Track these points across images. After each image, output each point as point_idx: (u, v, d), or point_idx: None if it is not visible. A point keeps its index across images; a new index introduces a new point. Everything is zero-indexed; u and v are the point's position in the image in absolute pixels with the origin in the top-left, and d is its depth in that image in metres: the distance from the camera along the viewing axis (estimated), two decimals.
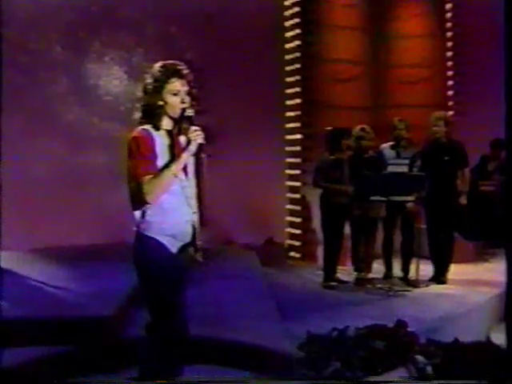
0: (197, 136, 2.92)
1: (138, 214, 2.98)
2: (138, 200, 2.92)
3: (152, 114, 2.98)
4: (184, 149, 2.97)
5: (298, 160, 7.78)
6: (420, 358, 3.59)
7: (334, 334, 3.30)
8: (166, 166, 2.92)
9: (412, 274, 6.34)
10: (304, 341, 3.34)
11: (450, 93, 8.63)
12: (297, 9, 7.78)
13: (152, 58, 7.51)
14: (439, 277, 6.35)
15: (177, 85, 2.97)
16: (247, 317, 4.51)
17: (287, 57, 7.86)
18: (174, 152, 2.97)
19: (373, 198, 5.95)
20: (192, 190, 3.03)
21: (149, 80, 2.99)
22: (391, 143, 6.44)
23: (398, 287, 6.03)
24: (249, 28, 7.61)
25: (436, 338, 4.08)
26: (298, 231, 7.81)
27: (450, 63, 8.63)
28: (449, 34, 8.63)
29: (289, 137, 7.89)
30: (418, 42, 8.40)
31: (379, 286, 6.13)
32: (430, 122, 6.30)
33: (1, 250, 4.96)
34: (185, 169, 2.99)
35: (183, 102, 2.96)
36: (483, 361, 3.76)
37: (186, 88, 2.99)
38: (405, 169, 5.95)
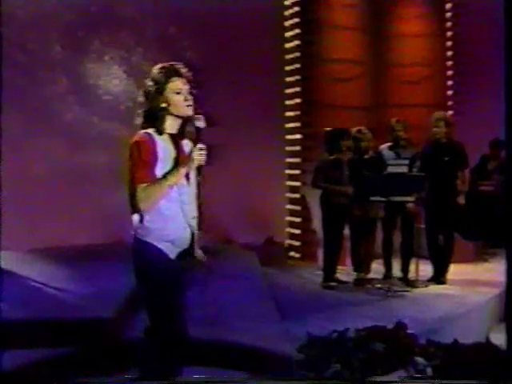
0: (199, 156, 2.89)
1: (136, 219, 2.96)
2: (134, 205, 2.91)
3: (155, 118, 2.95)
4: (186, 154, 2.95)
5: (297, 160, 7.78)
6: (420, 359, 3.59)
7: (334, 336, 3.31)
8: (164, 176, 2.89)
9: (411, 274, 6.34)
10: (304, 343, 3.34)
11: (450, 92, 8.63)
12: (297, 8, 7.79)
13: (151, 57, 7.58)
14: (439, 277, 6.35)
15: (178, 83, 2.95)
16: (247, 318, 4.51)
17: (287, 56, 7.86)
18: (177, 157, 2.95)
19: (373, 198, 5.95)
20: (192, 196, 3.01)
21: (149, 83, 2.97)
22: (389, 144, 6.44)
23: (397, 287, 6.03)
24: (248, 28, 7.60)
25: (436, 339, 4.07)
26: (297, 231, 7.81)
27: (449, 63, 8.64)
28: (449, 33, 8.64)
29: (288, 137, 7.89)
30: (417, 42, 8.41)
31: (379, 286, 6.13)
32: (430, 122, 6.30)
33: (0, 250, 4.96)
34: (187, 174, 2.96)
35: (187, 100, 2.95)
36: (483, 361, 3.76)
37: (187, 87, 2.98)
38: (404, 169, 5.95)
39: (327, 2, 7.79)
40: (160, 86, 2.94)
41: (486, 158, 8.26)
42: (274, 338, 4.10)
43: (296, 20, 7.79)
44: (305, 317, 4.86)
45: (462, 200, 6.27)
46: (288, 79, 7.86)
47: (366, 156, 6.32)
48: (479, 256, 7.62)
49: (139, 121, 3.01)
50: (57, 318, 4.08)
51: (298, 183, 7.79)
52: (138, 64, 7.58)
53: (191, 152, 2.93)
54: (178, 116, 2.98)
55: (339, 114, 7.43)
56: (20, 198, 6.36)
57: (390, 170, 5.93)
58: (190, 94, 2.99)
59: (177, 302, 3.01)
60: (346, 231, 6.37)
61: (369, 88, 8.06)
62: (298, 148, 7.79)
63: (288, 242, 7.92)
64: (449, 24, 8.63)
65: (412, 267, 6.35)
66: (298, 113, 7.78)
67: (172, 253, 2.97)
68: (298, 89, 7.76)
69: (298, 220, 7.82)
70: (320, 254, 6.57)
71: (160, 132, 2.95)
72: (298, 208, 7.81)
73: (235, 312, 4.64)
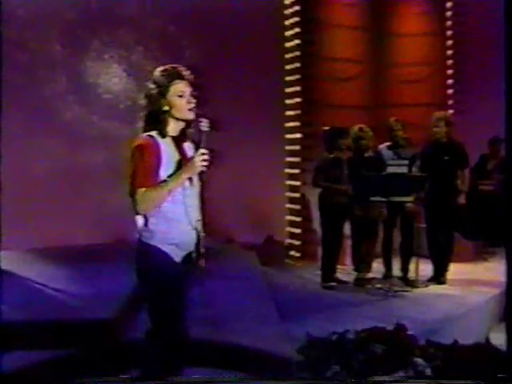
0: (201, 162, 2.87)
1: (140, 221, 2.95)
2: (135, 208, 2.91)
3: (157, 121, 2.93)
4: (189, 157, 2.94)
5: (297, 159, 7.78)
6: (419, 360, 3.60)
7: (334, 338, 3.31)
8: (165, 181, 2.88)
9: (411, 273, 6.35)
10: (304, 344, 3.35)
11: (450, 91, 8.62)
12: (297, 7, 7.77)
13: (151, 56, 7.59)
14: (438, 277, 6.36)
15: (181, 86, 2.93)
16: (247, 318, 4.51)
17: (287, 56, 7.85)
18: (179, 160, 2.94)
19: (373, 198, 5.95)
20: (196, 199, 3.01)
21: (151, 86, 2.95)
22: (388, 144, 6.44)
23: (397, 287, 6.03)
24: (248, 26, 7.59)
25: (436, 340, 4.08)
26: (297, 230, 7.81)
27: (450, 62, 8.62)
28: (449, 32, 8.62)
29: (288, 136, 7.89)
30: (418, 41, 8.40)
31: (379, 286, 6.13)
32: (430, 122, 6.30)
33: (0, 250, 4.95)
34: (190, 177, 2.94)
35: (189, 103, 2.93)
36: (483, 362, 3.76)
37: (190, 89, 2.96)
38: (404, 169, 5.95)
39: (327, 1, 7.79)
40: (162, 89, 2.92)
41: (485, 157, 8.25)
42: (274, 338, 4.10)
43: (296, 19, 7.77)
44: (305, 317, 4.86)
45: (462, 200, 6.27)
46: (288, 78, 7.85)
47: (365, 155, 6.31)
48: (479, 255, 7.62)
49: (141, 124, 2.99)
50: (57, 319, 4.07)
51: (297, 182, 7.79)
52: (137, 63, 7.57)
53: (193, 157, 2.91)
54: (180, 119, 2.97)
55: (339, 113, 7.43)
56: (20, 197, 6.36)
57: (390, 170, 5.93)
58: (193, 96, 2.97)
59: (179, 305, 3.01)
60: (347, 230, 6.37)
61: (369, 87, 8.06)
62: (297, 147, 7.78)
63: (288, 241, 7.91)
64: (449, 23, 8.62)
65: (412, 267, 6.36)
66: (298, 112, 7.77)
67: (177, 256, 2.96)
68: (297, 88, 7.75)
69: (298, 219, 7.82)
70: (320, 253, 6.56)
71: (163, 135, 2.94)
72: (298, 207, 7.81)
73: (235, 313, 4.64)
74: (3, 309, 3.90)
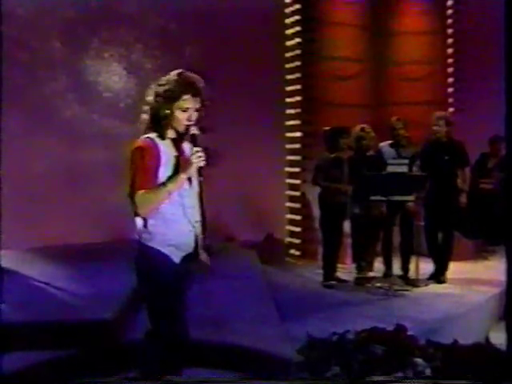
0: (197, 159, 2.88)
1: (139, 223, 2.96)
2: (134, 210, 2.92)
3: (158, 124, 2.94)
4: (187, 159, 2.94)
5: (297, 158, 7.78)
6: (419, 360, 3.59)
7: (334, 338, 3.31)
8: (163, 183, 2.89)
9: (411, 272, 6.35)
10: (304, 344, 3.35)
11: (451, 90, 8.60)
12: (297, 6, 7.76)
13: (151, 54, 7.58)
14: (438, 276, 6.36)
15: (188, 102, 2.91)
16: (247, 318, 4.51)
17: (287, 54, 7.84)
18: (179, 161, 2.94)
19: (373, 197, 5.95)
20: (195, 200, 3.01)
21: (162, 88, 2.92)
22: (390, 142, 6.45)
23: (397, 286, 6.04)
24: (249, 25, 7.58)
25: (436, 339, 4.08)
26: (297, 229, 7.81)
27: (450, 60, 8.60)
28: (449, 30, 8.60)
29: (289, 134, 7.89)
30: (418, 39, 8.38)
31: (379, 285, 6.14)
32: (430, 121, 6.30)
33: (0, 249, 4.95)
34: (189, 178, 2.95)
35: (190, 120, 2.93)
36: (483, 362, 3.76)
37: (197, 105, 2.93)
38: (405, 168, 5.95)
39: (328, 0, 7.77)
40: (170, 100, 2.90)
41: (486, 155, 8.24)
42: (274, 339, 4.11)
43: (296, 17, 7.76)
44: (305, 317, 4.87)
45: (463, 199, 6.27)
46: (288, 77, 7.84)
47: (366, 155, 6.30)
48: (479, 254, 7.62)
49: (143, 122, 2.98)
50: (57, 320, 4.07)
51: (298, 181, 7.78)
52: (137, 61, 7.57)
53: (190, 158, 2.92)
54: (177, 129, 2.98)
55: (340, 112, 7.42)
56: (19, 195, 6.35)
57: (390, 169, 5.93)
58: (198, 111, 2.95)
59: (179, 306, 3.02)
60: (348, 229, 6.37)
61: (369, 85, 8.05)
62: (298, 146, 7.78)
63: (288, 239, 7.92)
64: (450, 21, 8.60)
65: (412, 266, 6.36)
66: (298, 110, 7.76)
67: (177, 257, 2.97)
68: (298, 86, 7.74)
69: (298, 218, 7.82)
70: (320, 252, 6.57)
71: (162, 137, 2.95)
72: (298, 206, 7.81)
73: (235, 312, 4.63)
74: (3, 308, 3.91)
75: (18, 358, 3.63)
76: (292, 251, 7.80)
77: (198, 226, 3.02)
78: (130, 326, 4.15)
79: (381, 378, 3.31)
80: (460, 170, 6.29)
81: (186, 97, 2.90)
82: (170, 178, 2.90)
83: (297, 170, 7.79)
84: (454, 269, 6.53)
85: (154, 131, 2.95)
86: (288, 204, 7.98)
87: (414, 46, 8.35)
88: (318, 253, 6.91)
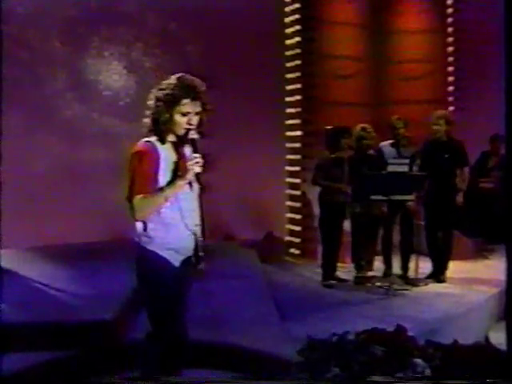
0: (195, 165, 2.88)
1: (139, 227, 2.96)
2: (133, 213, 2.92)
3: (158, 128, 2.94)
4: (187, 163, 2.93)
5: (298, 157, 7.77)
6: (419, 361, 3.60)
7: (334, 339, 3.31)
8: (162, 188, 2.89)
9: (411, 272, 6.35)
10: (304, 345, 3.35)
11: (451, 88, 8.60)
12: (297, 5, 7.74)
13: (151, 53, 7.58)
14: (438, 275, 6.36)
15: (188, 106, 2.91)
16: (247, 318, 4.51)
17: (287, 53, 7.83)
18: (179, 165, 2.95)
19: (373, 197, 5.95)
20: (195, 204, 3.01)
21: (162, 94, 2.92)
22: (391, 141, 6.45)
23: (397, 286, 6.04)
24: (249, 24, 7.57)
25: (436, 339, 4.08)
26: (297, 228, 7.81)
27: (450, 59, 8.60)
28: (449, 29, 8.59)
29: (289, 133, 7.88)
30: (418, 38, 8.37)
31: (378, 284, 6.14)
32: (430, 120, 6.29)
33: (0, 249, 4.95)
34: (189, 182, 2.95)
35: (190, 124, 2.92)
36: (483, 362, 3.76)
37: (197, 109, 2.93)
38: (405, 168, 5.95)
39: None
40: (170, 104, 2.90)
41: (486, 154, 8.25)
42: (274, 339, 4.11)
43: (296, 16, 7.74)
44: (305, 317, 4.87)
45: (460, 198, 6.27)
46: (288, 76, 7.83)
47: (366, 154, 6.30)
48: (479, 253, 7.62)
49: (146, 121, 2.98)
50: (57, 320, 4.08)
51: (298, 180, 7.78)
52: (138, 60, 7.57)
53: (187, 164, 2.91)
54: (176, 133, 2.98)
55: (340, 111, 7.42)
56: (19, 194, 6.35)
57: (391, 168, 5.93)
58: (198, 114, 2.95)
59: (179, 308, 3.03)
60: (348, 229, 6.37)
61: (369, 84, 8.04)
62: (298, 145, 7.77)
63: (288, 238, 7.91)
64: (450, 20, 8.59)
65: (412, 265, 6.36)
66: (298, 110, 7.75)
67: (176, 261, 2.98)
68: (298, 85, 7.73)
69: (298, 217, 7.82)
70: (320, 251, 6.56)
71: (163, 141, 2.95)
72: (298, 205, 7.81)
73: (235, 312, 4.63)
74: (3, 308, 3.91)
75: (17, 358, 3.63)
76: (292, 250, 7.80)
77: (198, 229, 3.01)
78: (130, 326, 4.15)
79: (381, 379, 3.31)
80: (459, 169, 6.29)
81: (185, 101, 2.90)
82: (168, 183, 2.91)
83: (297, 168, 7.78)
84: (454, 268, 6.53)
85: (155, 135, 2.95)
86: (288, 203, 7.98)
87: (414, 44, 8.34)
88: (317, 252, 6.91)
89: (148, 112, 2.98)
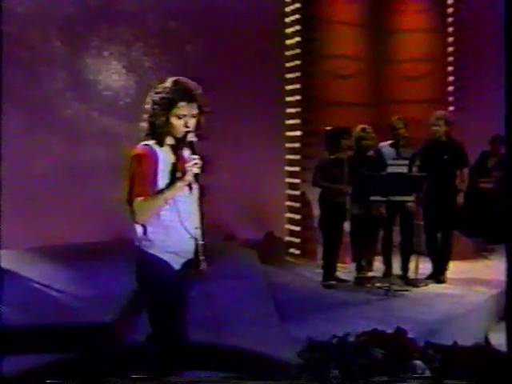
0: (194, 166, 2.88)
1: (139, 230, 2.97)
2: (133, 216, 2.93)
3: (156, 131, 2.95)
4: (185, 167, 2.93)
5: (297, 157, 7.77)
6: (419, 362, 3.60)
7: (334, 341, 3.31)
8: (161, 190, 2.89)
9: (411, 272, 6.35)
10: (304, 347, 3.35)
11: (451, 88, 8.60)
12: (297, 5, 7.74)
13: (151, 52, 7.57)
14: (438, 276, 6.36)
15: (184, 109, 2.91)
16: (246, 320, 4.50)
17: (287, 53, 7.83)
18: (177, 168, 2.95)
19: (373, 198, 5.95)
20: (195, 206, 3.01)
21: (158, 97, 2.92)
22: (390, 142, 6.45)
23: (397, 286, 6.04)
24: (248, 24, 7.56)
25: (436, 340, 4.08)
26: (297, 228, 7.81)
27: (450, 58, 8.59)
28: (450, 28, 8.58)
29: (289, 133, 7.87)
30: (418, 37, 8.36)
31: (378, 285, 6.14)
32: (430, 121, 6.29)
33: (0, 249, 4.94)
34: (189, 184, 2.95)
35: (187, 126, 2.92)
36: (483, 363, 3.76)
37: (193, 112, 2.93)
38: (404, 169, 5.96)
39: None
40: (166, 107, 2.90)
41: (486, 154, 8.25)
42: (274, 340, 4.11)
43: (296, 16, 7.74)
44: (305, 318, 4.87)
45: (460, 199, 6.27)
46: (288, 76, 7.82)
47: (365, 155, 6.30)
48: (478, 253, 7.62)
49: (144, 126, 2.98)
50: (57, 322, 4.08)
51: (297, 180, 7.78)
52: (137, 59, 7.56)
53: (186, 165, 2.92)
54: (174, 136, 2.98)
55: (340, 111, 7.42)
56: (19, 194, 6.34)
57: (390, 169, 5.94)
58: (195, 116, 2.95)
59: (179, 310, 3.04)
60: (348, 229, 6.37)
61: (369, 84, 8.03)
62: (297, 145, 7.77)
63: (288, 238, 7.91)
64: (450, 19, 8.58)
65: (412, 265, 6.37)
66: (298, 109, 7.75)
67: (177, 264, 2.99)
68: (298, 85, 7.72)
69: (297, 217, 7.82)
70: (320, 251, 6.57)
71: (161, 144, 2.96)
72: (297, 205, 7.81)
73: (234, 314, 4.62)
74: (3, 310, 3.90)
75: (17, 360, 3.63)
76: (292, 250, 7.80)
77: (198, 232, 3.01)
78: (130, 328, 4.15)
79: (380, 379, 3.32)
80: (459, 170, 6.29)
81: (181, 104, 2.91)
82: (167, 186, 2.91)
83: (296, 169, 7.78)
84: (454, 268, 6.53)
85: (153, 138, 2.96)
86: (288, 203, 7.98)
87: (414, 44, 8.33)
88: (317, 252, 6.92)
89: (145, 116, 2.99)
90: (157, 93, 2.95)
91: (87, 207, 6.90)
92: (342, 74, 7.67)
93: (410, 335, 3.87)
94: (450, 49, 8.59)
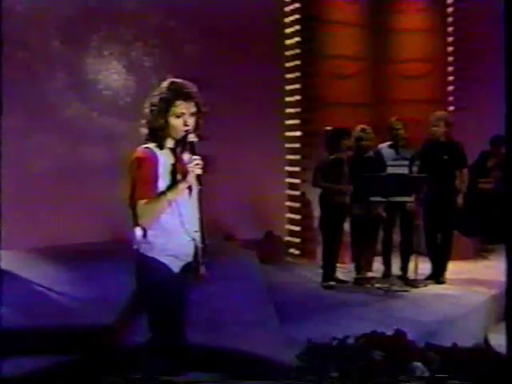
0: (195, 166, 2.89)
1: (139, 234, 2.97)
2: (134, 220, 2.93)
3: (156, 135, 2.95)
4: (186, 169, 2.93)
5: (297, 157, 7.78)
6: (418, 364, 3.61)
7: (334, 344, 3.32)
8: (163, 192, 2.90)
9: (411, 273, 6.35)
10: (303, 350, 3.36)
11: (451, 88, 8.60)
12: (297, 5, 7.74)
13: (151, 52, 7.57)
14: (438, 276, 6.36)
15: (181, 108, 2.92)
16: (246, 321, 4.50)
17: (287, 53, 7.83)
18: (177, 171, 2.95)
19: (372, 198, 5.95)
20: (194, 210, 3.01)
21: (155, 99, 2.94)
22: (389, 143, 6.45)
23: (396, 287, 6.04)
24: (248, 23, 7.56)
25: (435, 341, 4.09)
26: (297, 228, 7.82)
27: (450, 58, 8.59)
28: (449, 28, 8.58)
29: (288, 133, 7.88)
30: (418, 37, 8.36)
31: (378, 285, 6.14)
32: (430, 121, 6.29)
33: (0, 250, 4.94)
34: (189, 187, 2.96)
35: (186, 125, 2.93)
36: (482, 365, 3.77)
37: (192, 110, 2.95)
38: (404, 169, 5.96)
39: None
40: (163, 108, 2.91)
41: (486, 154, 8.23)
42: (273, 342, 4.10)
43: (296, 16, 7.75)
44: (304, 319, 4.87)
45: (460, 200, 6.27)
46: (288, 76, 7.83)
47: (365, 155, 6.30)
48: (478, 253, 7.62)
49: (143, 132, 2.99)
50: (56, 323, 4.07)
51: (297, 180, 7.78)
52: (137, 59, 7.55)
53: (188, 166, 2.92)
54: (174, 138, 2.99)
55: (339, 111, 7.43)
56: (18, 194, 6.33)
57: (390, 170, 5.94)
58: (196, 115, 2.96)
59: (179, 314, 3.04)
60: (347, 229, 6.37)
61: (369, 84, 8.04)
62: (297, 145, 7.78)
63: (287, 238, 7.92)
64: (450, 19, 8.58)
65: (411, 266, 6.36)
66: (298, 110, 7.76)
67: (176, 267, 2.99)
68: (297, 85, 7.73)
69: (297, 217, 7.82)
70: (320, 251, 6.57)
71: (161, 147, 2.96)
72: (297, 205, 7.82)
73: (233, 315, 4.62)
74: (3, 311, 3.90)
75: (17, 362, 3.63)
76: (291, 250, 7.81)
77: (198, 235, 3.01)
78: (130, 329, 4.15)
79: (380, 381, 3.32)
80: (458, 170, 6.29)
81: (178, 102, 2.92)
82: (169, 187, 2.91)
83: (296, 169, 7.79)
84: (454, 268, 6.53)
85: (153, 141, 2.96)
86: (288, 203, 7.98)
87: (414, 44, 8.33)
88: (317, 252, 6.92)
89: (143, 121, 2.99)
90: (154, 96, 2.97)
91: (87, 207, 6.89)
92: (342, 73, 7.68)
93: (410, 337, 3.88)
94: (450, 49, 8.59)
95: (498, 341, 4.50)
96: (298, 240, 7.80)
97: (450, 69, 8.58)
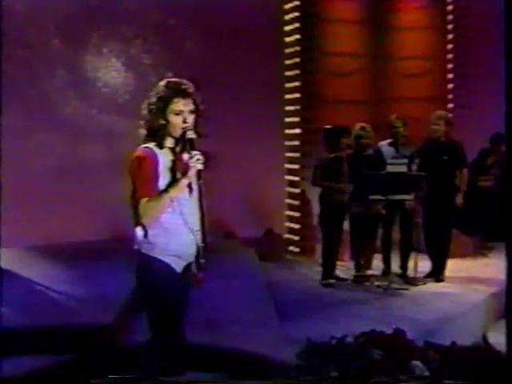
0: (196, 162, 2.90)
1: (140, 234, 2.97)
2: (136, 219, 2.93)
3: (155, 134, 2.95)
4: (186, 168, 2.94)
5: (297, 155, 7.77)
6: (418, 363, 3.61)
7: (333, 343, 3.32)
8: (165, 189, 2.90)
9: (410, 271, 6.35)
10: (303, 349, 3.36)
11: (451, 86, 8.59)
12: (296, 2, 7.73)
13: (150, 49, 7.56)
14: (437, 274, 6.37)
15: (180, 105, 2.93)
16: (245, 320, 4.50)
17: (287, 50, 7.82)
18: (177, 170, 2.95)
19: (372, 197, 5.95)
20: (195, 209, 3.00)
21: (153, 99, 2.95)
22: (389, 141, 6.44)
23: (396, 285, 6.05)
24: (248, 21, 7.55)
25: (435, 340, 4.09)
26: (297, 226, 7.82)
27: (450, 56, 8.59)
28: (449, 26, 8.58)
29: (288, 131, 7.87)
30: (418, 35, 8.33)
31: (377, 283, 6.15)
32: (430, 120, 6.29)
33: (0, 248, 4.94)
34: (189, 185, 2.96)
35: (185, 122, 2.93)
36: (481, 363, 3.77)
37: (190, 107, 2.95)
38: (404, 168, 5.96)
39: None
40: (162, 105, 2.92)
41: (485, 151, 8.24)
42: (273, 341, 4.11)
43: (296, 14, 7.73)
44: (304, 317, 4.87)
45: (460, 199, 6.27)
46: (288, 73, 7.82)
47: (365, 153, 6.30)
48: (477, 251, 7.62)
49: (142, 133, 3.00)
50: (56, 322, 4.08)
51: (297, 178, 7.78)
52: (137, 56, 7.55)
53: (188, 161, 2.93)
54: (174, 136, 2.99)
55: (339, 109, 7.41)
56: (18, 193, 6.33)
57: (390, 168, 5.94)
58: (195, 113, 2.96)
59: (180, 314, 3.05)
60: (347, 227, 6.37)
61: (369, 82, 8.01)
62: (297, 142, 7.77)
63: (287, 236, 7.92)
64: (450, 17, 8.58)
65: (411, 264, 6.37)
66: (297, 107, 7.74)
67: (178, 266, 2.99)
68: (297, 83, 7.72)
69: (297, 215, 7.82)
70: (319, 249, 6.57)
71: (161, 146, 2.96)
72: (297, 203, 7.81)
73: (233, 314, 4.62)
74: (3, 311, 3.91)
75: (16, 361, 3.63)
76: (291, 248, 7.81)
77: (198, 234, 3.01)
78: (130, 329, 4.15)
79: (379, 380, 3.33)
80: (458, 170, 6.29)
81: (176, 100, 2.93)
82: (170, 184, 2.92)
83: (296, 166, 7.79)
84: (453, 266, 6.53)
85: (152, 141, 2.97)
86: (287, 201, 7.98)
87: (414, 41, 8.30)
88: (317, 250, 6.92)
89: (142, 121, 3.00)
90: (151, 96, 2.98)
91: (87, 206, 6.90)
92: (342, 71, 7.66)
93: (409, 335, 3.88)
94: (450, 46, 8.58)
95: (498, 339, 4.51)
96: (297, 238, 7.80)
97: (450, 66, 8.58)
